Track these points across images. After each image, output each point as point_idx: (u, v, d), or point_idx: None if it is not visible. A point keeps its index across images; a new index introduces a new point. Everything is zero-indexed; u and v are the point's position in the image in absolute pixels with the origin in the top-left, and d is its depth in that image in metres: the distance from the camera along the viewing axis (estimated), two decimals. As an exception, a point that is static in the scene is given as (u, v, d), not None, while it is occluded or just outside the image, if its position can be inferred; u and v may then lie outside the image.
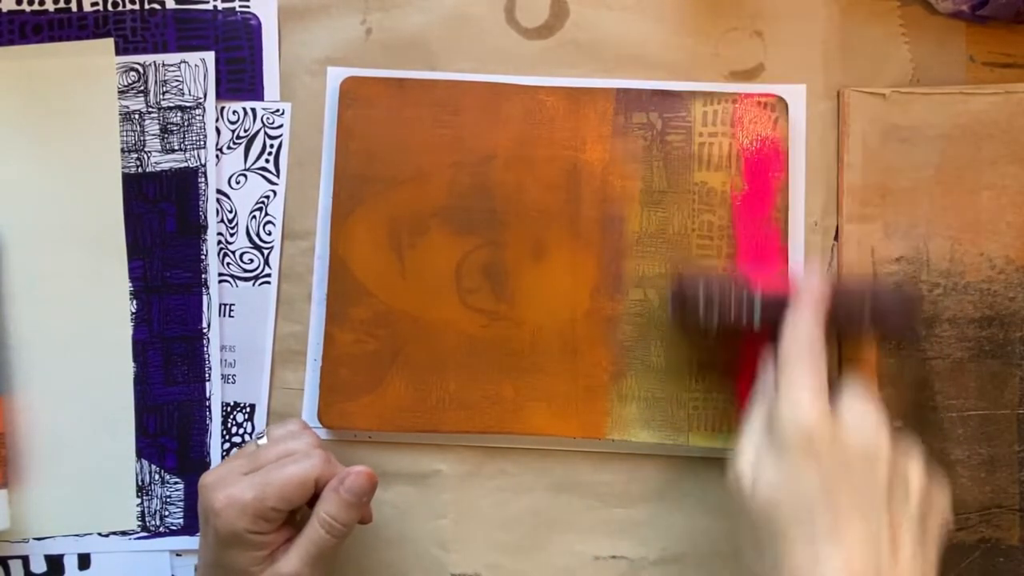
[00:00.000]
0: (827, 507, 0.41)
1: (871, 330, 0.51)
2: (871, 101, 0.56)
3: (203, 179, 0.57)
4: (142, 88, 0.57)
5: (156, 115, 0.57)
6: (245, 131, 0.57)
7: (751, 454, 0.45)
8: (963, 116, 0.56)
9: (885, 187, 0.56)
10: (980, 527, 0.54)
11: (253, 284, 0.57)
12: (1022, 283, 0.55)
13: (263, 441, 0.50)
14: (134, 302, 0.57)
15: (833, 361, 0.53)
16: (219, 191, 0.57)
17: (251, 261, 0.57)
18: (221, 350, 0.57)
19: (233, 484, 0.47)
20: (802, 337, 0.46)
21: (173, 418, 0.57)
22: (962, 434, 0.55)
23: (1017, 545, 0.54)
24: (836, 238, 0.56)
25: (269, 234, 0.57)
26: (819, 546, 0.41)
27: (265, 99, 0.58)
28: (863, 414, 0.44)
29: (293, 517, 0.49)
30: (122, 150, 0.57)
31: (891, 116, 0.56)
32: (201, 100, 0.57)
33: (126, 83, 0.57)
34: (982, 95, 0.55)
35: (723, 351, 0.54)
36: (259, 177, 0.57)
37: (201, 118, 0.57)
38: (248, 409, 0.57)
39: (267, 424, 0.57)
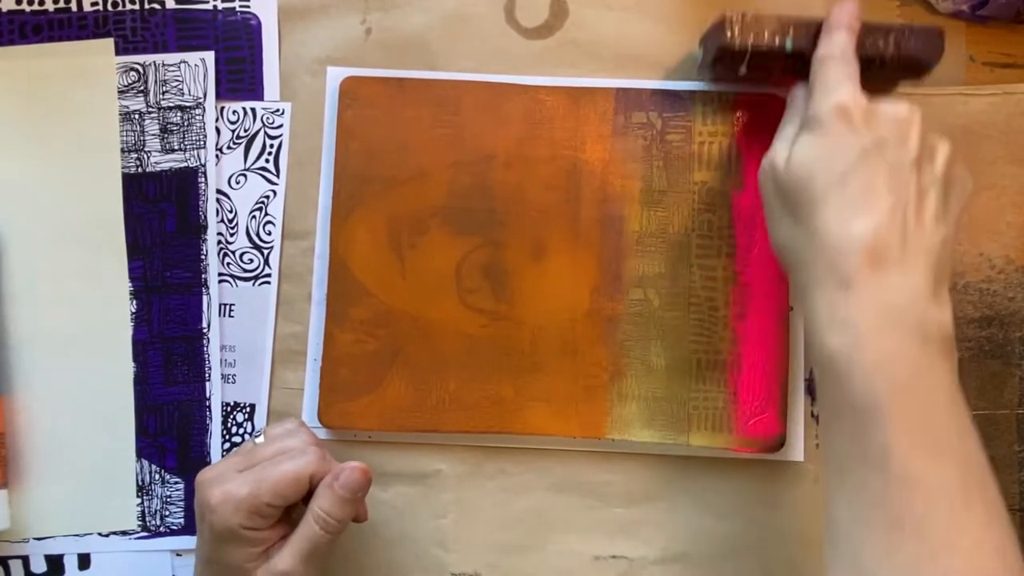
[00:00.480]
0: (860, 173, 0.43)
1: (895, 63, 0.51)
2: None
3: (203, 179, 0.57)
4: (142, 88, 0.57)
5: (156, 115, 0.57)
6: (245, 131, 0.57)
7: (785, 143, 0.47)
8: (962, 117, 0.56)
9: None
10: (980, 527, 0.54)
11: (253, 284, 0.57)
12: (1022, 283, 0.55)
13: (260, 439, 0.50)
14: (134, 302, 0.57)
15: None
16: (219, 191, 0.57)
17: (251, 261, 0.57)
18: (221, 350, 0.57)
19: (229, 481, 0.47)
20: (836, 45, 0.47)
21: (173, 418, 0.57)
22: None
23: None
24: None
25: (269, 234, 0.57)
26: (851, 207, 0.43)
27: (265, 99, 0.58)
28: (897, 99, 0.45)
29: (289, 515, 0.49)
30: (122, 150, 0.57)
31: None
32: (201, 100, 0.57)
33: (126, 83, 0.57)
34: (981, 96, 0.55)
35: (754, 78, 0.54)
36: (259, 177, 0.57)
37: (201, 118, 0.57)
38: (248, 409, 0.57)
39: (267, 423, 0.56)
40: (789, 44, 0.50)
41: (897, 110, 0.45)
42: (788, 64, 0.50)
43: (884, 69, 0.51)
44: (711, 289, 0.55)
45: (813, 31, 0.49)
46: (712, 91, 0.56)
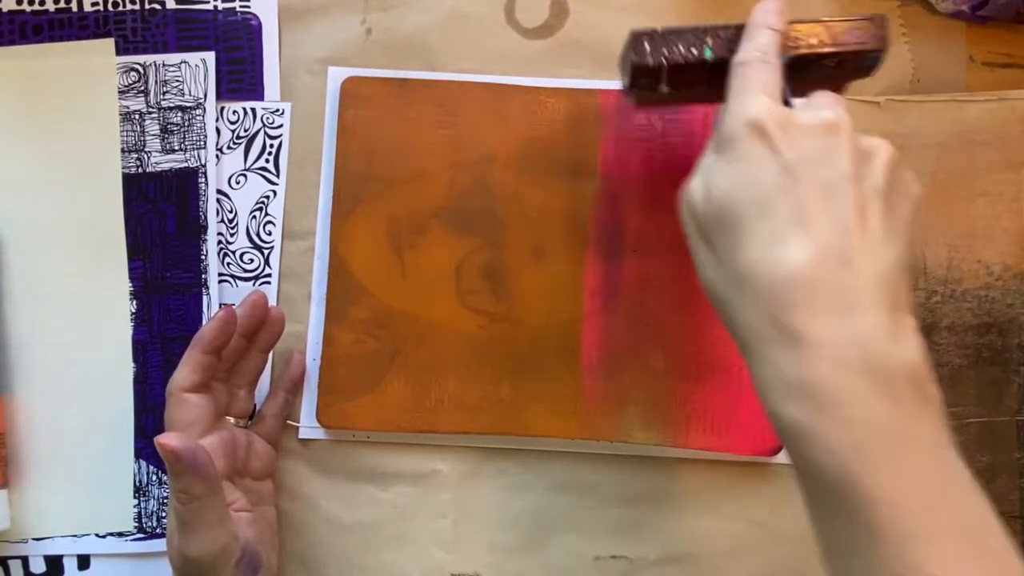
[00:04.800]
0: (787, 194, 0.37)
1: (836, 59, 0.45)
2: (865, 109, 0.56)
3: (203, 179, 0.57)
4: (142, 88, 0.57)
5: (156, 115, 0.57)
6: (245, 131, 0.57)
7: (702, 172, 0.40)
8: (957, 123, 0.55)
9: (882, 193, 0.56)
10: (980, 532, 0.54)
11: (253, 284, 0.57)
12: (1020, 290, 0.55)
13: None
14: (134, 302, 0.57)
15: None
16: (219, 191, 0.57)
17: (251, 261, 0.57)
18: (221, 350, 0.57)
19: (169, 542, 0.48)
20: (754, 48, 0.41)
21: (173, 418, 0.57)
22: (962, 442, 0.54)
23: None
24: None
25: (269, 234, 0.57)
26: (778, 238, 0.36)
27: (265, 99, 0.58)
28: (824, 99, 0.39)
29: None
30: (122, 150, 0.57)
31: (885, 124, 0.56)
32: (201, 100, 0.57)
33: (126, 83, 0.57)
34: (976, 102, 0.55)
35: (675, 92, 0.47)
36: (259, 177, 0.57)
37: (201, 118, 0.57)
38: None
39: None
40: (708, 53, 0.44)
41: (820, 117, 0.38)
42: (713, 77, 0.44)
43: (824, 68, 0.45)
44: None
45: (733, 36, 0.44)
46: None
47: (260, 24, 0.57)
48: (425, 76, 0.57)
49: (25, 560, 0.56)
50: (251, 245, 0.57)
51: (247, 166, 0.57)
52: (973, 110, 0.56)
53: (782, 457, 0.55)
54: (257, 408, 0.55)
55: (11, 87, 0.57)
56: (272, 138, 0.57)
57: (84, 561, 0.57)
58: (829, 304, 0.35)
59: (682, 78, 0.45)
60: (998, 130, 0.55)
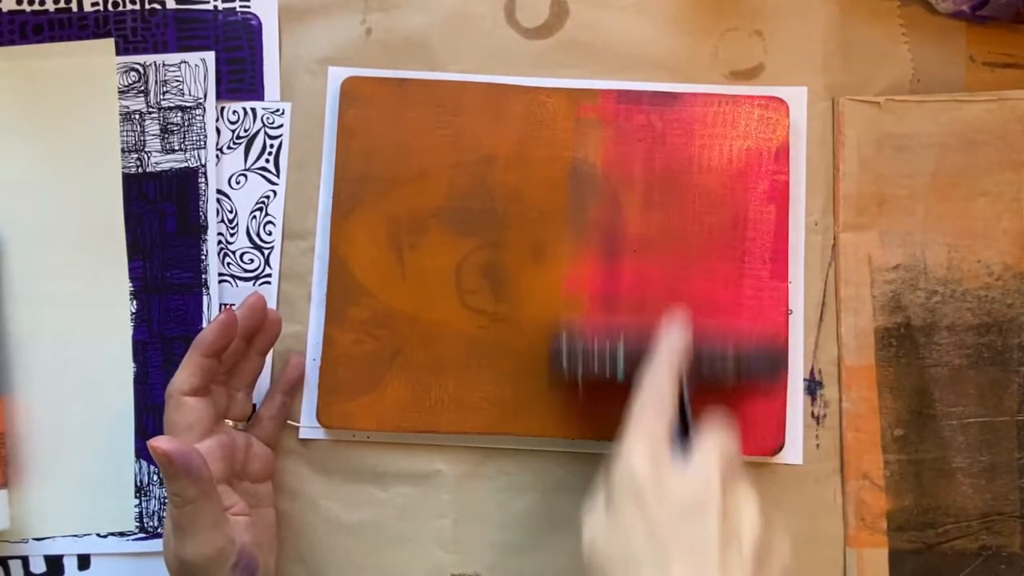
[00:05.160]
0: (654, 560, 0.39)
1: (736, 384, 0.51)
2: (865, 109, 0.56)
3: (203, 179, 0.57)
4: (142, 88, 0.57)
5: (156, 115, 0.57)
6: (245, 131, 0.57)
7: (588, 523, 0.43)
8: (957, 123, 0.56)
9: (881, 195, 0.56)
10: (981, 534, 0.54)
11: (253, 284, 0.57)
12: (1020, 289, 0.55)
13: None
14: (134, 302, 0.57)
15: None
16: (219, 191, 0.57)
17: (251, 261, 0.57)
18: (221, 350, 0.57)
19: (166, 545, 0.48)
20: (650, 390, 0.45)
21: (173, 418, 0.57)
22: (962, 442, 0.55)
23: (1018, 552, 0.54)
24: (834, 247, 0.56)
25: (269, 234, 0.57)
26: None
27: (265, 99, 0.58)
28: (700, 465, 0.42)
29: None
30: (122, 150, 0.57)
31: (886, 124, 0.56)
32: (201, 100, 0.57)
33: (126, 83, 0.57)
34: (976, 102, 0.55)
35: (592, 406, 0.53)
36: (259, 177, 0.57)
37: (201, 118, 0.57)
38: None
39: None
40: (620, 374, 0.49)
41: (694, 484, 0.41)
42: (627, 393, 0.46)
43: (726, 385, 0.51)
44: (711, 291, 0.55)
45: (645, 354, 0.47)
46: (713, 92, 0.56)
47: (260, 24, 0.57)
48: (425, 76, 0.57)
49: (25, 560, 0.56)
50: (251, 245, 0.57)
51: (247, 166, 0.57)
52: (973, 110, 0.56)
53: (782, 457, 0.55)
54: (255, 410, 0.55)
55: (11, 87, 0.57)
56: (272, 138, 0.57)
57: (84, 561, 0.57)
58: None
59: (598, 388, 0.51)
60: (998, 130, 0.55)
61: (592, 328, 0.52)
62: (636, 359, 0.48)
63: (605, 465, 0.44)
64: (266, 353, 0.54)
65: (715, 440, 0.43)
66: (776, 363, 0.53)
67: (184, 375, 0.49)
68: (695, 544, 0.39)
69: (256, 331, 0.53)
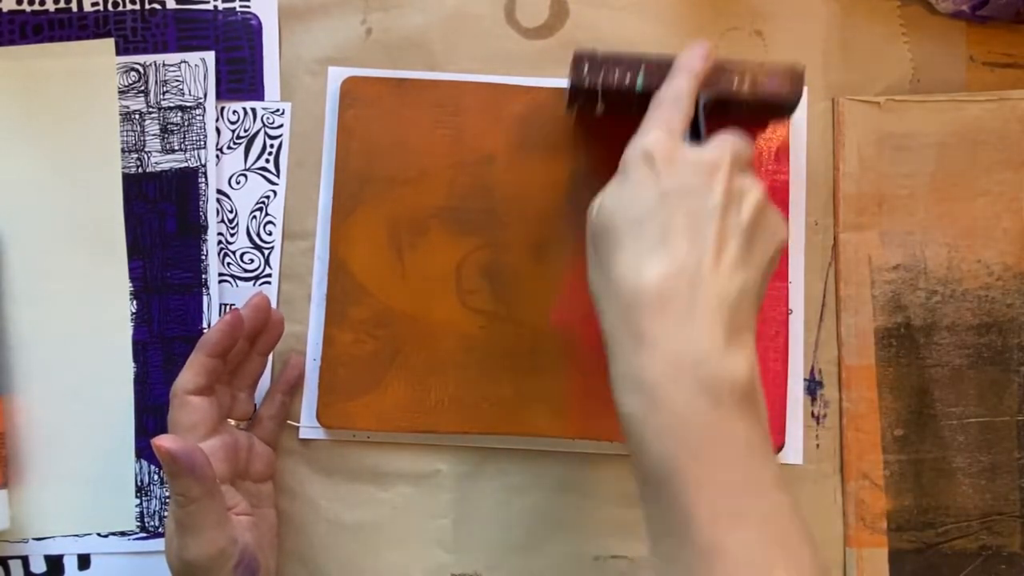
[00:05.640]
0: (658, 219, 0.41)
1: (752, 103, 0.50)
2: (865, 110, 0.56)
3: (203, 179, 0.57)
4: (142, 88, 0.57)
5: (156, 115, 0.57)
6: (245, 131, 0.57)
7: (600, 192, 0.45)
8: (957, 123, 0.56)
9: (881, 195, 0.56)
10: (981, 534, 0.54)
11: (253, 284, 0.57)
12: (1019, 289, 0.55)
13: None
14: (134, 302, 0.57)
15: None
16: (219, 191, 0.57)
17: (251, 261, 0.57)
18: (221, 350, 0.57)
19: (168, 545, 0.48)
20: (671, 89, 0.46)
21: (173, 418, 0.57)
22: (962, 441, 0.55)
23: (1018, 552, 0.54)
24: (834, 247, 0.56)
25: (269, 234, 0.57)
26: (644, 253, 0.41)
27: (265, 99, 0.58)
28: (713, 144, 0.43)
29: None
30: (122, 150, 0.57)
31: (886, 124, 0.56)
32: (201, 100, 0.57)
33: (126, 83, 0.57)
34: (976, 102, 0.56)
35: (609, 124, 0.52)
36: (259, 177, 0.57)
37: (201, 118, 0.57)
38: (248, 409, 0.57)
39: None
40: (640, 84, 0.49)
41: (704, 155, 0.42)
42: (642, 105, 0.47)
43: (743, 109, 0.50)
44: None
45: (665, 71, 0.48)
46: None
47: (260, 24, 0.57)
48: (425, 76, 0.57)
49: (25, 560, 0.56)
50: (251, 245, 0.57)
51: (247, 166, 0.57)
52: (973, 110, 0.56)
53: (782, 457, 0.55)
54: (256, 410, 0.55)
55: (11, 87, 0.57)
56: (272, 138, 0.57)
57: (84, 561, 0.57)
58: (672, 315, 0.40)
59: (615, 102, 0.50)
60: (998, 130, 0.55)
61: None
62: (657, 72, 0.48)
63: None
64: (268, 353, 0.54)
65: (729, 136, 0.44)
66: (793, 80, 0.50)
67: (189, 375, 0.49)
68: (698, 203, 0.41)
69: (260, 331, 0.53)
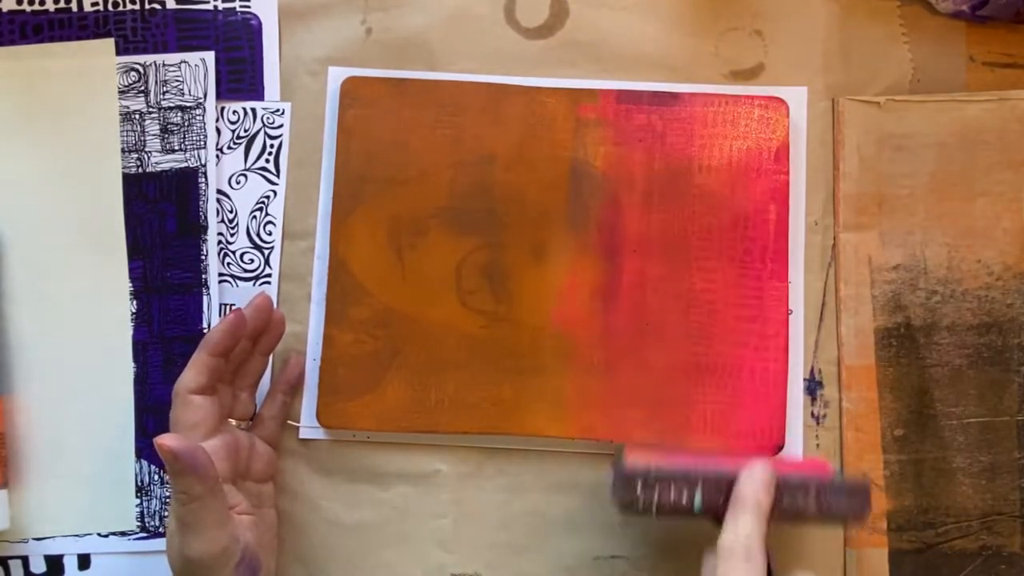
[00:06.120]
0: None
1: (819, 518, 0.48)
2: (865, 110, 0.56)
3: (203, 179, 0.57)
4: (142, 88, 0.57)
5: (156, 115, 0.57)
6: (245, 131, 0.57)
7: None
8: (957, 123, 0.56)
9: (881, 195, 0.56)
10: (981, 534, 0.54)
11: (253, 284, 0.57)
12: (1019, 289, 0.55)
13: None
14: (134, 302, 0.57)
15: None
16: (219, 191, 0.57)
17: (251, 261, 0.57)
18: (221, 350, 0.57)
19: (169, 544, 0.48)
20: (741, 535, 0.45)
21: (173, 418, 0.57)
22: (962, 441, 0.55)
23: (1018, 552, 0.54)
24: (834, 247, 0.56)
25: (269, 234, 0.57)
26: None
27: (265, 99, 0.58)
28: None
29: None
30: (122, 150, 0.57)
31: (886, 124, 0.56)
32: (201, 100, 0.57)
33: (126, 83, 0.57)
34: (976, 102, 0.55)
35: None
36: (259, 177, 0.57)
37: (201, 118, 0.57)
38: (248, 409, 0.57)
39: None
40: (697, 504, 0.47)
41: None
42: (697, 517, 0.48)
43: (808, 521, 0.48)
44: (711, 291, 0.55)
45: (724, 487, 0.47)
46: (713, 92, 0.56)
47: (260, 24, 0.57)
48: (425, 76, 0.57)
49: (25, 560, 0.56)
50: (251, 245, 0.57)
51: (247, 166, 0.57)
52: (973, 110, 0.56)
53: (782, 457, 0.55)
54: (256, 410, 0.55)
55: (11, 87, 0.57)
56: (272, 138, 0.57)
57: (84, 561, 0.57)
58: None
59: (668, 514, 0.48)
60: (998, 130, 0.55)
61: (656, 455, 0.49)
62: (715, 488, 0.47)
63: None
64: (270, 353, 0.54)
65: None
66: (860, 498, 0.48)
67: (192, 374, 0.49)
68: None
69: (262, 331, 0.53)
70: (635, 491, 0.48)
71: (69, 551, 0.56)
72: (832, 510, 0.47)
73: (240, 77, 0.57)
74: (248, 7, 0.57)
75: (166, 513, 0.56)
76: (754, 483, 0.46)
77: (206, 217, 0.57)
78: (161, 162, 0.57)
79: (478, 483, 0.56)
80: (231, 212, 0.57)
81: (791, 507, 0.47)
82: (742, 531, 0.45)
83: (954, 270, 0.55)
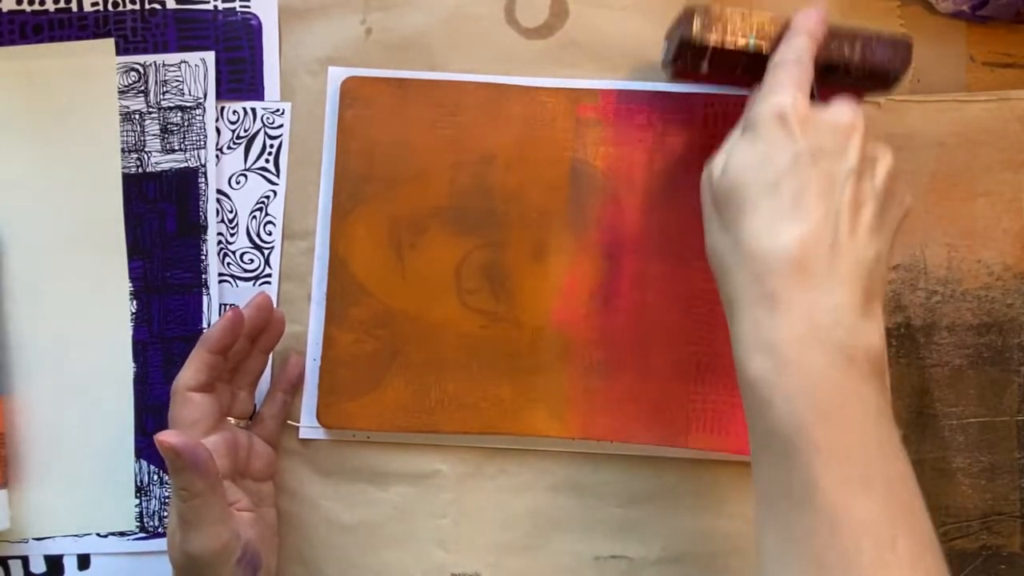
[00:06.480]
0: (792, 181, 0.41)
1: (861, 71, 0.49)
2: (865, 109, 0.55)
3: (203, 179, 0.57)
4: (142, 88, 0.57)
5: (156, 115, 0.57)
6: (245, 131, 0.57)
7: (724, 151, 0.44)
8: (958, 123, 0.56)
9: (881, 195, 0.56)
10: (981, 534, 0.54)
11: (253, 284, 0.57)
12: (1019, 289, 0.55)
13: None
14: (134, 302, 0.57)
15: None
16: (219, 191, 0.57)
17: (251, 261, 0.57)
18: (221, 350, 0.57)
19: (171, 540, 0.49)
20: (792, 50, 0.45)
21: (173, 418, 0.57)
22: (962, 442, 0.55)
23: (1018, 552, 0.54)
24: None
25: (269, 234, 0.57)
26: (778, 216, 0.41)
27: (265, 99, 0.58)
28: (845, 104, 0.43)
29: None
30: (122, 150, 0.57)
31: (886, 124, 0.56)
32: (201, 100, 0.57)
33: (126, 83, 0.57)
34: (976, 102, 0.55)
35: (710, 78, 0.52)
36: (259, 177, 0.57)
37: (201, 118, 0.57)
38: (248, 409, 0.57)
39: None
40: (752, 43, 0.48)
41: (839, 117, 0.42)
42: (750, 64, 0.48)
43: (849, 76, 0.49)
44: (711, 291, 0.55)
45: (778, 32, 0.47)
46: (713, 92, 0.56)
47: (260, 24, 0.57)
48: (425, 76, 0.57)
49: (25, 560, 0.56)
50: (251, 245, 0.57)
51: (247, 166, 0.57)
52: (973, 110, 0.55)
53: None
54: (256, 409, 0.55)
55: (11, 87, 0.57)
56: (272, 138, 0.57)
57: (84, 561, 0.57)
58: (810, 279, 0.39)
59: (723, 61, 0.49)
60: (998, 130, 0.55)
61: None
62: (770, 34, 0.48)
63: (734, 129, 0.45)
64: (270, 351, 0.54)
65: (852, 103, 0.43)
66: (903, 51, 0.49)
67: (190, 371, 0.49)
68: (834, 166, 0.41)
69: (261, 330, 0.53)
70: (696, 28, 0.48)
71: (69, 551, 0.56)
72: (875, 59, 0.48)
73: (240, 77, 0.57)
74: (248, 7, 0.57)
75: (165, 513, 0.56)
76: (808, 17, 0.47)
77: (206, 217, 0.57)
78: (161, 162, 0.57)
79: (478, 483, 0.56)
80: (231, 212, 0.57)
81: (837, 54, 0.48)
82: (794, 46, 0.45)
83: (954, 270, 0.55)
